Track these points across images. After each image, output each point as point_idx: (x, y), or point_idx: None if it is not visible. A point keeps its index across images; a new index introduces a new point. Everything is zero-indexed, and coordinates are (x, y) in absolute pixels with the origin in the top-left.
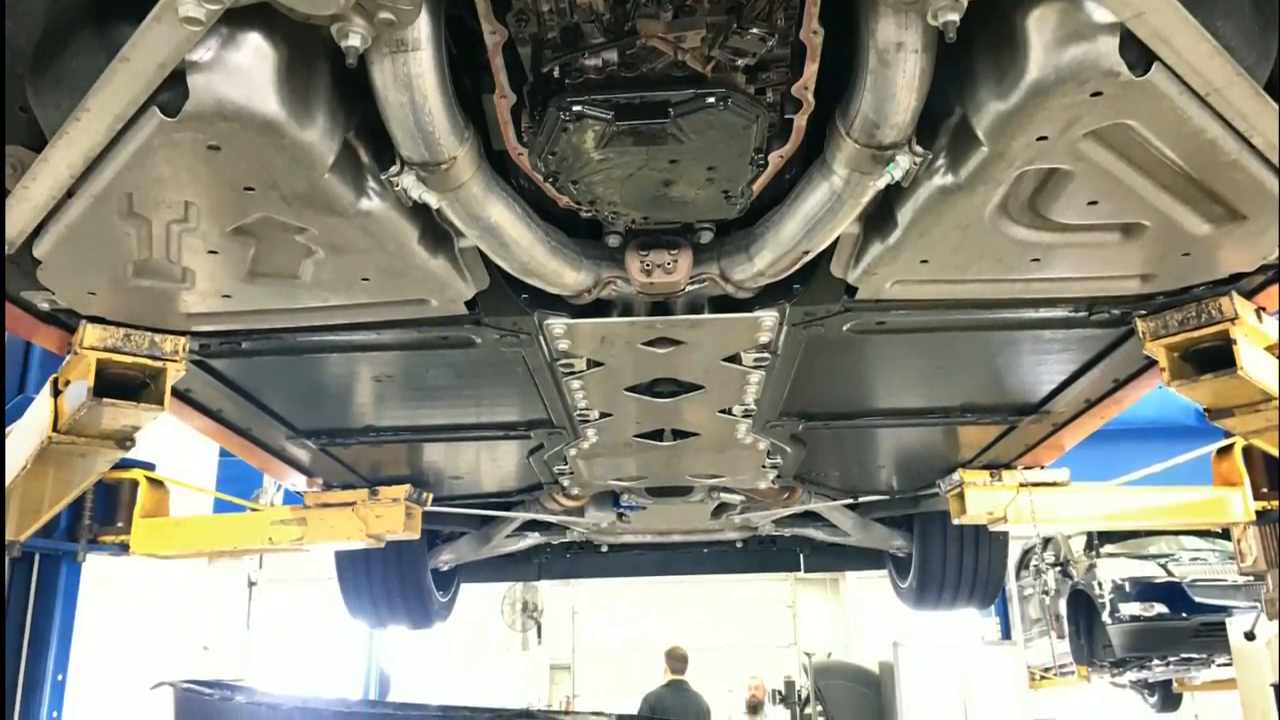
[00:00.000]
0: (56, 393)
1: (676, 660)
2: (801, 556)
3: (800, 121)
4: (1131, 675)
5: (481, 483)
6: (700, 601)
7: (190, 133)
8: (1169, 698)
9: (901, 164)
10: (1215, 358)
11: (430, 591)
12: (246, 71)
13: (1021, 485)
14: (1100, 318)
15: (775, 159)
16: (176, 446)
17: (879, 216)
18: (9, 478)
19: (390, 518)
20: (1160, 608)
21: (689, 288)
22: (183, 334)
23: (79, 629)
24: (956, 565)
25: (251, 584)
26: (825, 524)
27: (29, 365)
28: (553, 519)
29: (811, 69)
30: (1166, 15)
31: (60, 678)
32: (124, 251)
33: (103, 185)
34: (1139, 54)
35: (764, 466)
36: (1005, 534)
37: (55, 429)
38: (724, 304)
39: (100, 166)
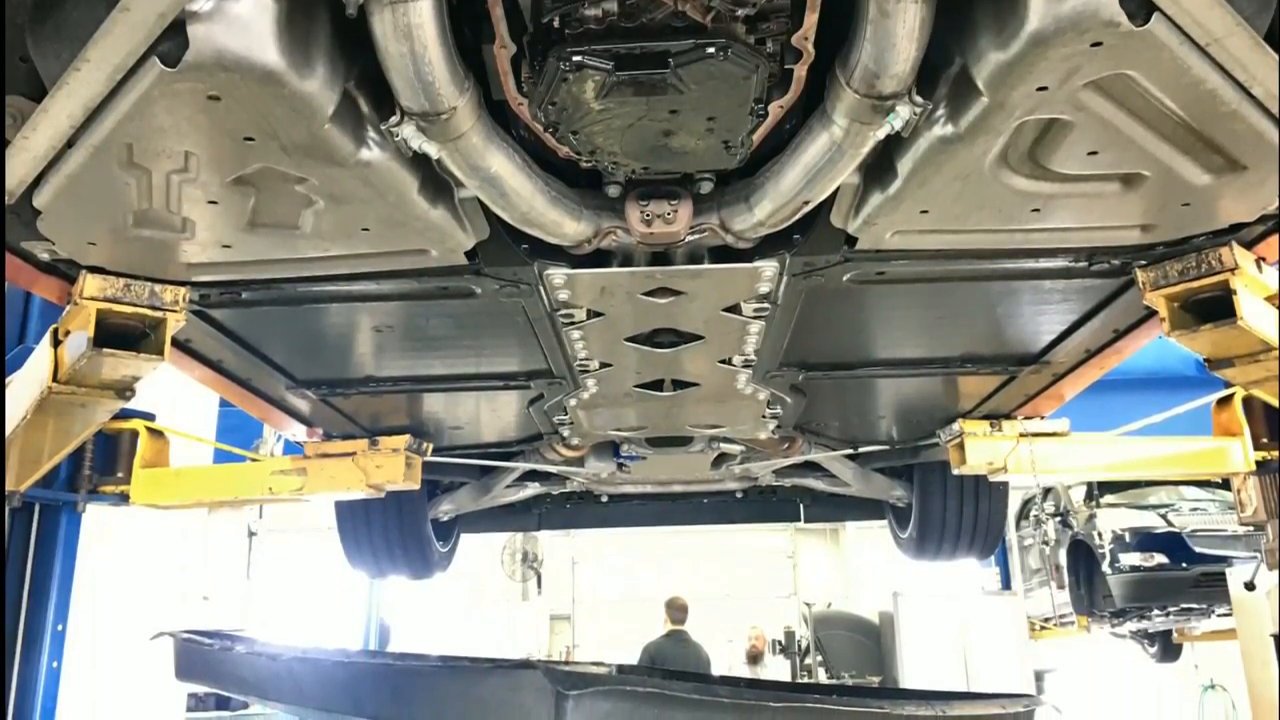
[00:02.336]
0: (56, 343)
1: (676, 610)
2: (802, 507)
3: (800, 72)
4: (1131, 625)
5: (481, 433)
6: (700, 552)
7: (190, 83)
8: (1169, 648)
9: (901, 114)
10: (1215, 308)
11: (430, 542)
12: (246, 21)
13: (1021, 435)
14: (1100, 268)
15: (775, 109)
16: (176, 396)
17: (879, 167)
18: (9, 428)
19: (390, 468)
20: (1160, 558)
21: (689, 238)
22: (183, 284)
23: (79, 579)
24: (956, 515)
25: (251, 534)
26: (825, 474)
27: (29, 315)
28: (553, 469)
29: (811, 19)
30: None
31: (60, 628)
32: (124, 201)
33: (103, 135)
34: (1139, 4)
35: (764, 417)
36: (1005, 484)
37: (55, 379)
38: (724, 254)
39: (100, 117)
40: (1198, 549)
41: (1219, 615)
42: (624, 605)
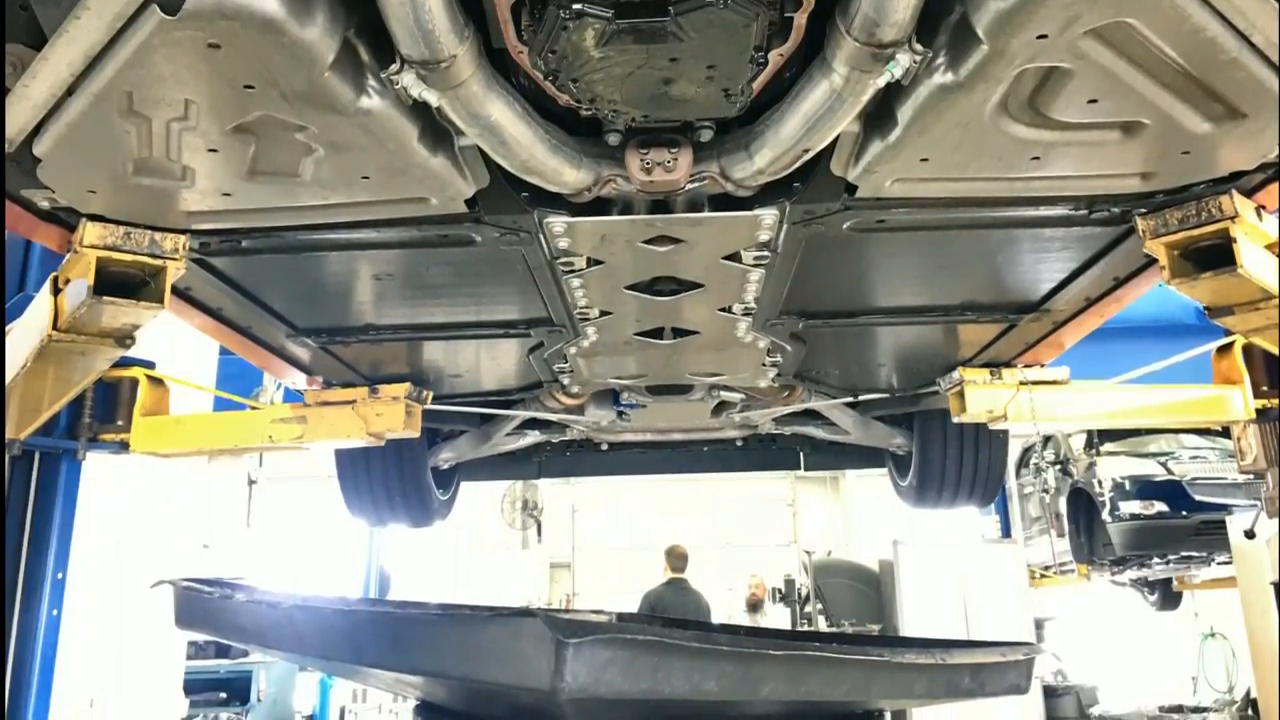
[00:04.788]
0: (56, 291)
1: (676, 559)
2: (801, 455)
3: (800, 19)
4: (1131, 573)
5: (481, 381)
6: (700, 500)
7: (190, 31)
8: (1169, 596)
9: (901, 62)
10: (1215, 256)
11: (430, 490)
12: None
13: (1021, 383)
14: (1100, 216)
15: (775, 57)
16: (175, 344)
17: (879, 115)
18: (9, 376)
19: (390, 416)
20: (1160, 506)
21: (689, 186)
22: (183, 232)
23: (79, 527)
24: (956, 463)
25: (252, 482)
26: (825, 422)
27: (29, 263)
28: (553, 417)
29: None
30: None
31: (60, 576)
32: (124, 150)
33: (103, 83)
34: None
35: (764, 365)
36: (1005, 432)
37: (55, 327)
38: (724, 202)
39: (100, 65)
40: (1198, 497)
41: (1219, 563)
42: (624, 553)
